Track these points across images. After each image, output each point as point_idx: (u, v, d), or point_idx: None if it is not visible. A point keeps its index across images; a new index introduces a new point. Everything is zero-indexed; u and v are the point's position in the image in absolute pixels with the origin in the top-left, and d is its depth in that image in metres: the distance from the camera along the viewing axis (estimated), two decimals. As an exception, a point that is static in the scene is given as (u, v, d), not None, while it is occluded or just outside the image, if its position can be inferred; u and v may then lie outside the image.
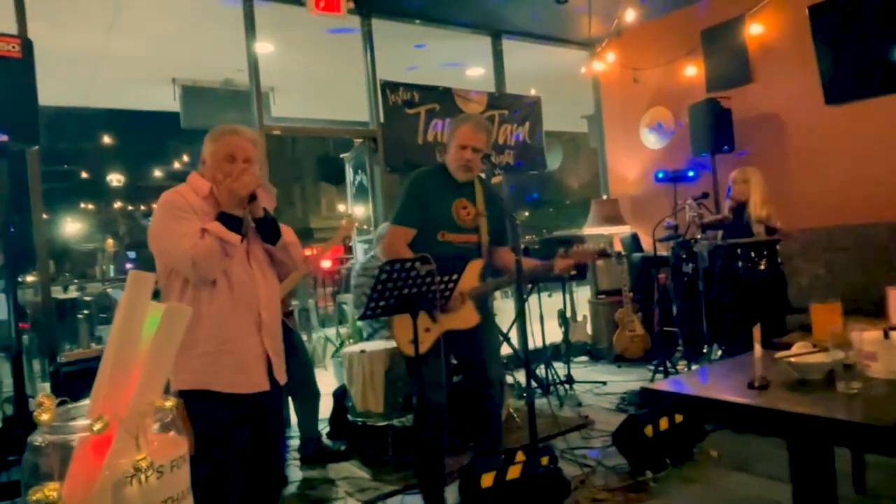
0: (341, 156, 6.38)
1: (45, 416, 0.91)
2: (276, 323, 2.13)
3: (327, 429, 4.01)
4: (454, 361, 3.14)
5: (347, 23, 4.90)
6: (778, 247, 3.96)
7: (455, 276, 2.51)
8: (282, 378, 2.12)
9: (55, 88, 5.67)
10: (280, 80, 6.17)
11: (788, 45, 4.96)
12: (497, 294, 5.40)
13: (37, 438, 0.92)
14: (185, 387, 1.95)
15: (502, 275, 2.93)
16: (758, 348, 1.81)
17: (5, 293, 3.20)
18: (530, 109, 5.90)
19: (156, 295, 1.46)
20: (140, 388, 0.97)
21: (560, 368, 4.91)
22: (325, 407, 3.95)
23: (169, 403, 1.00)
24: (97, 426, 0.88)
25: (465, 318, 2.75)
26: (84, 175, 23.39)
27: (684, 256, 4.35)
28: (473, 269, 2.78)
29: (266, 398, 2.08)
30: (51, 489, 0.87)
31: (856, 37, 4.49)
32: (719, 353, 3.94)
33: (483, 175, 2.94)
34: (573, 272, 5.02)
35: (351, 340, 5.22)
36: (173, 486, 0.97)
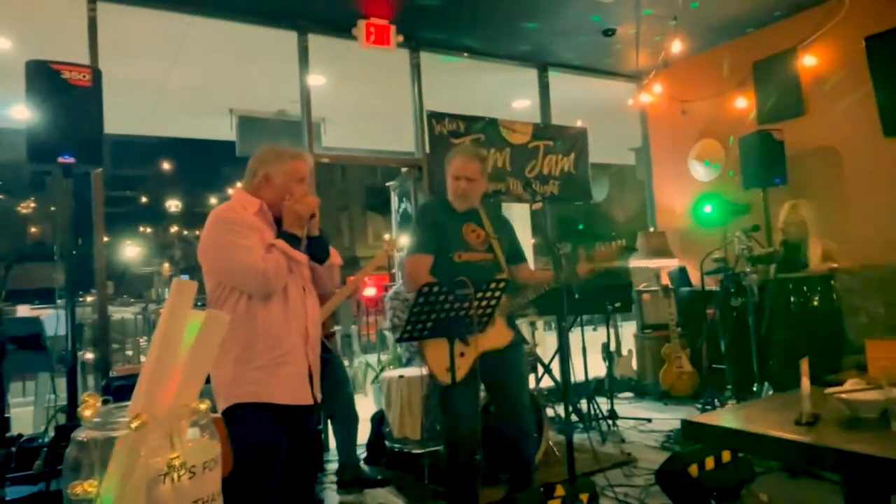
0: (387, 184, 6.50)
1: (87, 412, 0.96)
2: (318, 339, 2.21)
3: (365, 454, 4.00)
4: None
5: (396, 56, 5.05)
6: (833, 282, 3.80)
7: (498, 293, 2.47)
8: (318, 394, 2.17)
9: (121, 117, 6.02)
10: (331, 111, 6.38)
11: (843, 76, 4.83)
12: (539, 325, 5.34)
13: (80, 434, 0.96)
14: (243, 399, 1.99)
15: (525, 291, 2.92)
16: (805, 382, 1.74)
17: (65, 311, 3.35)
18: (576, 140, 5.89)
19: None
20: (178, 390, 1.01)
21: (603, 404, 4.80)
22: (364, 432, 3.96)
23: (203, 406, 1.03)
24: (135, 423, 0.92)
25: (497, 336, 2.73)
26: (144, 200, 24.54)
27: (733, 290, 4.23)
28: None
29: (308, 412, 2.13)
30: (91, 484, 0.90)
31: (916, 68, 4.35)
32: (770, 391, 3.78)
33: (522, 201, 2.98)
34: (616, 304, 4.98)
35: (391, 367, 5.24)
36: (205, 487, 1.00)
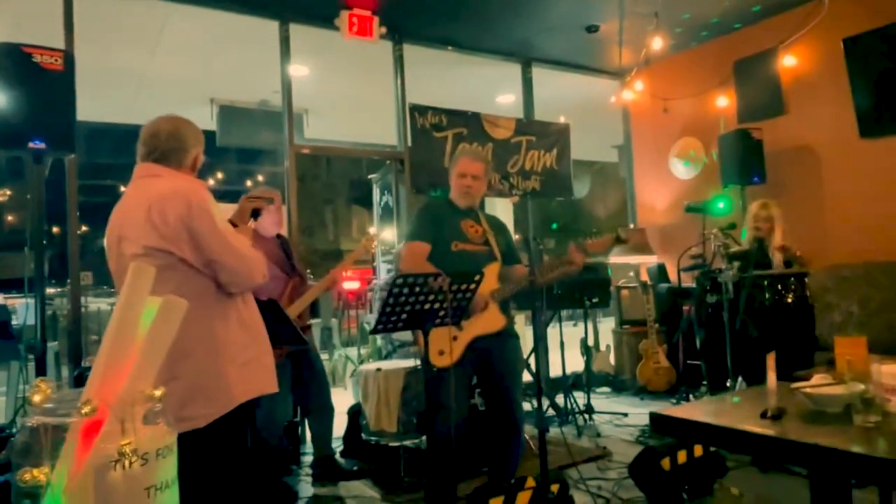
0: (369, 177, 6.47)
1: (37, 398, 0.94)
2: None
3: (341, 447, 3.99)
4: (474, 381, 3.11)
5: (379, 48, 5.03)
6: (806, 280, 3.86)
7: (473, 286, 2.48)
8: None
9: (100, 105, 5.93)
10: (314, 102, 6.33)
11: (822, 77, 4.89)
12: (519, 319, 5.36)
13: (30, 420, 0.94)
14: (246, 398, 1.92)
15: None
16: (771, 377, 1.76)
17: (34, 300, 3.29)
18: (558, 136, 5.90)
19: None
20: (133, 376, 1.00)
21: (581, 398, 4.83)
22: (340, 425, 3.95)
23: (158, 393, 1.02)
24: (85, 409, 0.91)
25: (490, 321, 2.75)
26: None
27: (708, 287, 4.27)
28: (491, 271, 2.80)
29: None
30: (40, 471, 0.89)
31: (892, 69, 4.41)
32: (744, 386, 3.82)
33: (502, 195, 3.01)
34: (594, 299, 5.02)
35: (371, 360, 5.24)
36: (158, 474, 0.98)
